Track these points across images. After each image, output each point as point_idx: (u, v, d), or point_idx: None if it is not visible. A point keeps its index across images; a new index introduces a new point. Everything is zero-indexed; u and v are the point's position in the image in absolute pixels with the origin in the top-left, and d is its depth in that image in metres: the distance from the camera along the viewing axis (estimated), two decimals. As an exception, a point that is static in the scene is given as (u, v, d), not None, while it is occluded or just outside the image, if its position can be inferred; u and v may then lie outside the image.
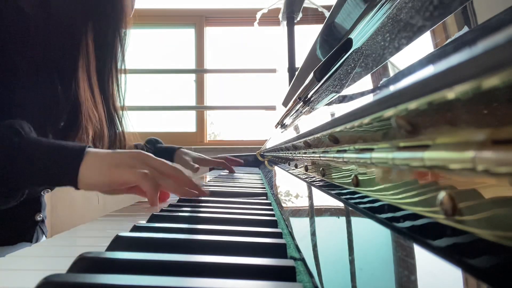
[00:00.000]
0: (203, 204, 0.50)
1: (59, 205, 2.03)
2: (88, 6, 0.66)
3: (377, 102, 0.18)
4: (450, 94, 0.12)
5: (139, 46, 2.40)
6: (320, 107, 0.44)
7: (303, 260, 0.28)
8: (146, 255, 0.24)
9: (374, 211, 0.23)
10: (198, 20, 2.37)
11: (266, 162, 1.46)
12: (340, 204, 0.31)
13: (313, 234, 0.32)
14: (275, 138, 1.10)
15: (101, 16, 0.68)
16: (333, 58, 0.45)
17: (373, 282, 0.18)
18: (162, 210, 0.45)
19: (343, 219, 0.29)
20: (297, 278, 0.24)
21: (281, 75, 1.98)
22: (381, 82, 0.22)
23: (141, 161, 0.52)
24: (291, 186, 0.60)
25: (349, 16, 0.45)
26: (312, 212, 0.39)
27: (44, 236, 0.77)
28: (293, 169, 0.67)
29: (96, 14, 0.68)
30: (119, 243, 0.29)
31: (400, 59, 0.21)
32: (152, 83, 2.44)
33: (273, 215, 0.42)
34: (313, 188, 0.44)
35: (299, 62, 1.66)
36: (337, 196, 0.33)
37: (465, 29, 0.15)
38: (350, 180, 0.28)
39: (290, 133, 0.65)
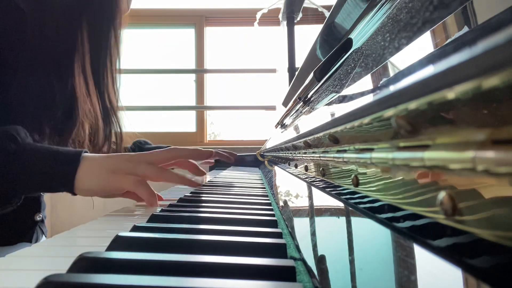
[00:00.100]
0: (203, 204, 0.50)
1: (59, 205, 2.03)
2: (83, 1, 0.67)
3: (377, 102, 0.18)
4: (450, 94, 0.12)
5: (139, 46, 2.40)
6: (320, 107, 0.44)
7: (303, 260, 0.28)
8: (146, 255, 0.24)
9: (374, 211, 0.23)
10: (198, 20, 2.37)
11: (266, 162, 1.46)
12: (340, 204, 0.31)
13: (313, 234, 0.32)
14: (275, 138, 1.10)
15: (96, 11, 0.68)
16: (333, 58, 0.45)
17: (373, 282, 0.18)
18: (162, 210, 0.45)
19: (343, 219, 0.29)
20: (297, 278, 0.24)
21: (281, 75, 1.97)
22: (381, 82, 0.22)
23: (136, 162, 0.52)
24: (291, 186, 0.60)
25: (349, 16, 0.45)
26: (312, 212, 0.39)
27: (44, 236, 0.77)
28: (293, 169, 0.67)
29: (91, 9, 0.68)
30: (119, 243, 0.29)
31: (400, 59, 0.21)
32: (152, 83, 2.44)
33: (273, 215, 0.42)
34: (313, 188, 0.44)
35: (299, 62, 1.66)
36: (337, 196, 0.33)
37: (465, 29, 0.15)
38: (350, 180, 0.28)
39: (290, 133, 0.65)
